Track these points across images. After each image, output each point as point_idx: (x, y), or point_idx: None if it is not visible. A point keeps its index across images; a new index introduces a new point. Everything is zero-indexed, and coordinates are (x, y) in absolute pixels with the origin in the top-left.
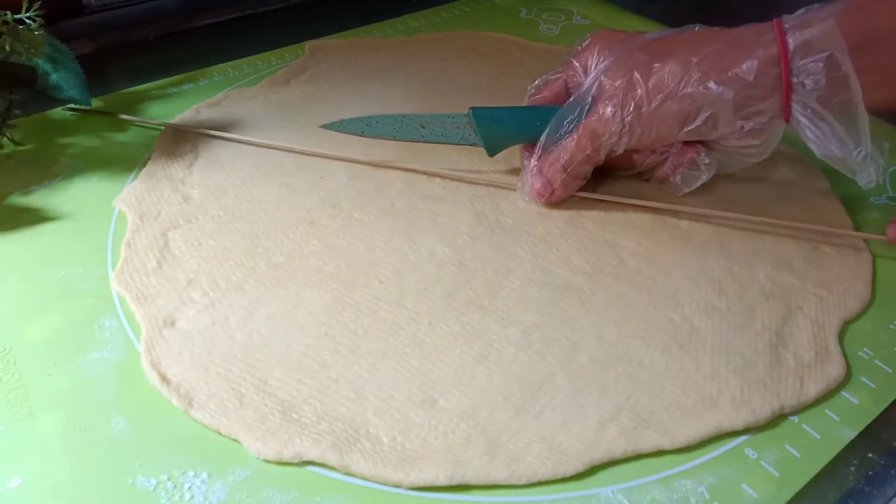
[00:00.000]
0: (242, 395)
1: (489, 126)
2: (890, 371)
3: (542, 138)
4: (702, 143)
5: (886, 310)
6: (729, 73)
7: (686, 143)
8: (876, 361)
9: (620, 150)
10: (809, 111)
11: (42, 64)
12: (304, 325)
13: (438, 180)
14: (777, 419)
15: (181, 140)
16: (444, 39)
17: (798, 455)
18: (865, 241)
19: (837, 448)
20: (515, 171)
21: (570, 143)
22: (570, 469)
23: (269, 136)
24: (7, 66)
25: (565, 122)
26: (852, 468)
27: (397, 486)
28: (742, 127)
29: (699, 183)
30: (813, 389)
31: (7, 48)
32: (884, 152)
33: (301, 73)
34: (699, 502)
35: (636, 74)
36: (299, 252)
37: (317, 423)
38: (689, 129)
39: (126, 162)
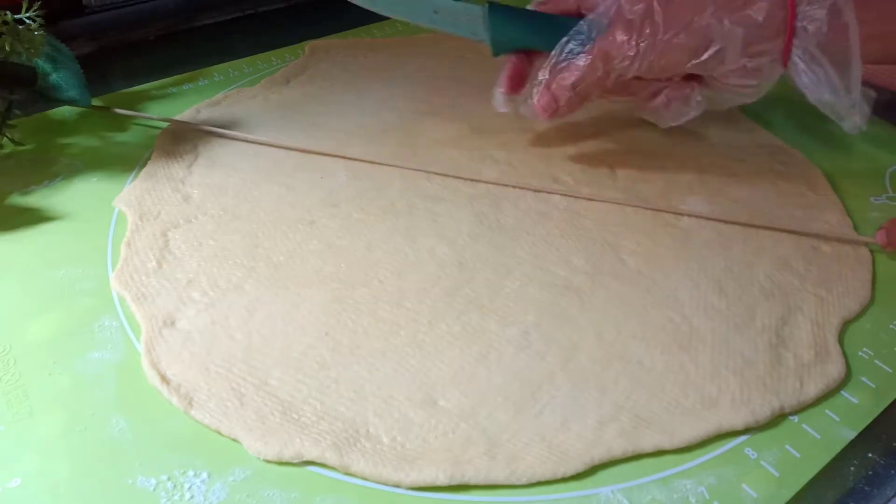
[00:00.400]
0: (242, 394)
1: (502, 23)
2: (890, 371)
3: (554, 53)
4: (698, 79)
5: (886, 310)
6: (741, 12)
7: (684, 77)
8: (876, 361)
9: (629, 76)
10: (808, 56)
11: (42, 64)
12: (304, 324)
13: (438, 180)
14: (777, 419)
15: (181, 140)
16: (444, 39)
17: (798, 455)
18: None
19: (837, 448)
20: (515, 172)
21: (582, 63)
22: (570, 469)
23: (270, 136)
24: (7, 66)
25: (579, 40)
26: (852, 468)
27: (397, 485)
28: (745, 66)
29: (686, 119)
30: (813, 389)
31: (7, 48)
32: (870, 101)
33: (301, 73)
34: (699, 502)
35: (655, 2)
36: (299, 252)
37: (317, 423)
38: (697, 61)
39: (126, 162)
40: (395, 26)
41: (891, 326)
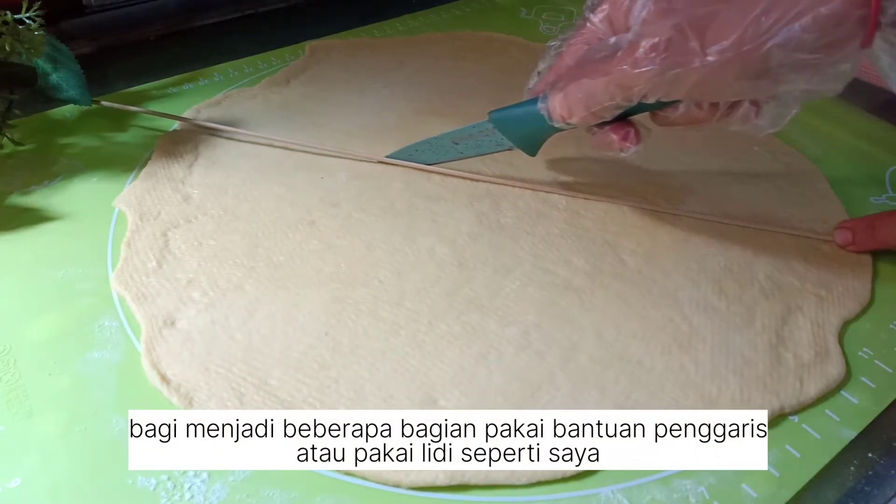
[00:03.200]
0: (242, 394)
1: (513, 127)
2: (890, 371)
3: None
4: None
5: (886, 310)
6: (803, 21)
7: None
8: (876, 361)
9: (652, 101)
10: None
11: (42, 64)
12: (304, 324)
13: (438, 180)
14: (777, 419)
15: (181, 140)
16: (444, 39)
17: (798, 455)
18: None
19: (837, 448)
20: (515, 172)
21: (597, 86)
22: (570, 469)
23: (270, 136)
24: (7, 66)
25: (597, 56)
26: (852, 468)
27: (397, 485)
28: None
29: (787, 120)
30: (813, 389)
31: (7, 48)
32: None
33: (301, 73)
34: (699, 502)
35: (684, 22)
36: (299, 252)
37: None
38: (750, 84)
39: (126, 162)
40: (395, 26)
41: (891, 326)
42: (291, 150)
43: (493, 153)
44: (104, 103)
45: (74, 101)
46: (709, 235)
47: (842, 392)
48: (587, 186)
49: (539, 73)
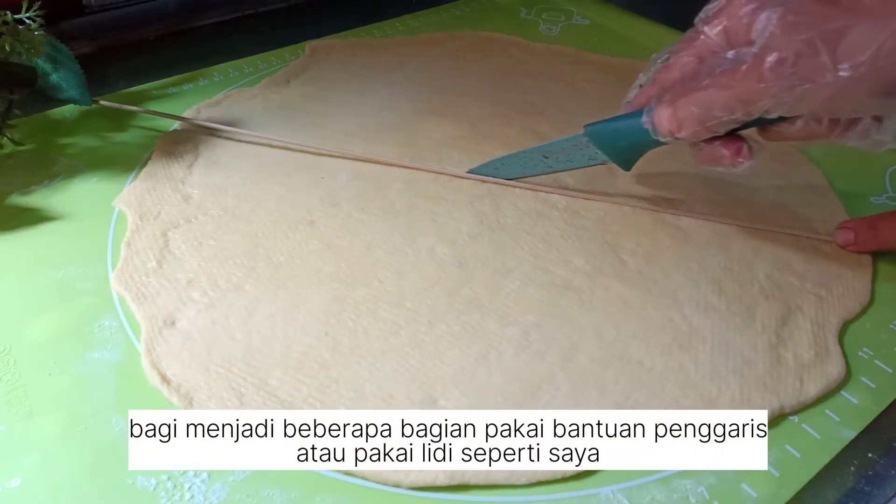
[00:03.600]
0: (242, 394)
1: (611, 141)
2: (890, 371)
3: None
4: None
5: (886, 310)
6: None
7: None
8: (876, 361)
9: (774, 116)
10: None
11: (42, 64)
12: (304, 324)
13: (438, 180)
14: (777, 419)
15: (181, 140)
16: (444, 39)
17: (798, 455)
18: None
19: (837, 448)
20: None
21: (716, 100)
22: (570, 469)
23: (270, 136)
24: (7, 66)
25: (717, 70)
26: (852, 468)
27: (397, 485)
28: None
29: None
30: (813, 389)
31: (7, 48)
32: None
33: (301, 73)
34: (699, 502)
35: (816, 37)
36: (299, 252)
37: None
38: (882, 101)
39: (126, 162)
40: (395, 26)
41: (891, 326)
42: (293, 150)
43: (584, 168)
44: (103, 102)
45: (74, 101)
46: (709, 235)
47: (842, 392)
48: (587, 186)
49: (641, 85)
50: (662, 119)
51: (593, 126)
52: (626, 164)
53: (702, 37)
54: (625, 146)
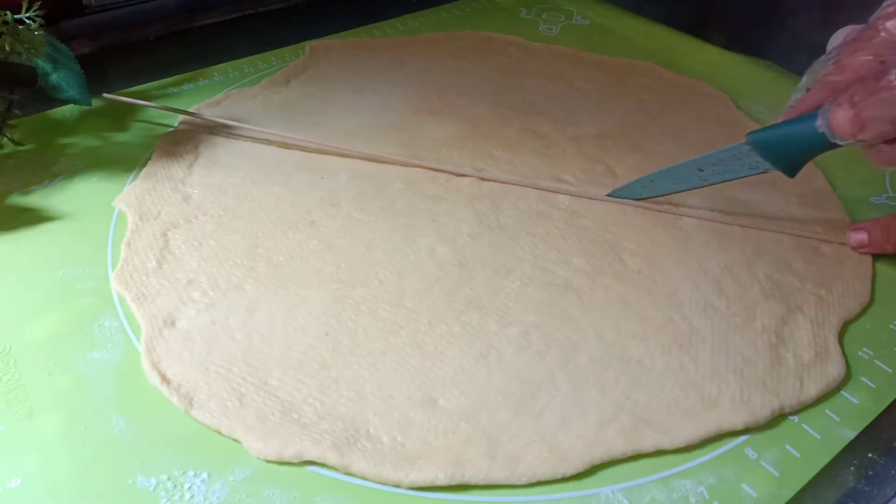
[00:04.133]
0: (242, 394)
1: (778, 148)
2: (890, 371)
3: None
4: None
5: (886, 310)
6: None
7: None
8: (876, 361)
9: None
10: None
11: (42, 64)
12: (304, 324)
13: (439, 179)
14: (777, 419)
15: (181, 140)
16: (444, 39)
17: (798, 455)
18: None
19: (837, 448)
20: (516, 171)
21: None
22: (570, 469)
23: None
24: (7, 66)
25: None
26: (852, 468)
27: (397, 485)
28: None
29: None
30: (813, 389)
31: (7, 48)
32: None
33: (301, 73)
34: (699, 502)
35: None
36: (299, 252)
37: (317, 423)
38: None
39: (126, 162)
40: (395, 26)
41: (891, 326)
42: (294, 149)
43: (741, 178)
44: (105, 95)
45: (74, 101)
46: (709, 235)
47: (842, 392)
48: (587, 186)
49: (808, 89)
50: (842, 121)
51: (757, 134)
52: (792, 171)
53: (882, 34)
54: (793, 152)
